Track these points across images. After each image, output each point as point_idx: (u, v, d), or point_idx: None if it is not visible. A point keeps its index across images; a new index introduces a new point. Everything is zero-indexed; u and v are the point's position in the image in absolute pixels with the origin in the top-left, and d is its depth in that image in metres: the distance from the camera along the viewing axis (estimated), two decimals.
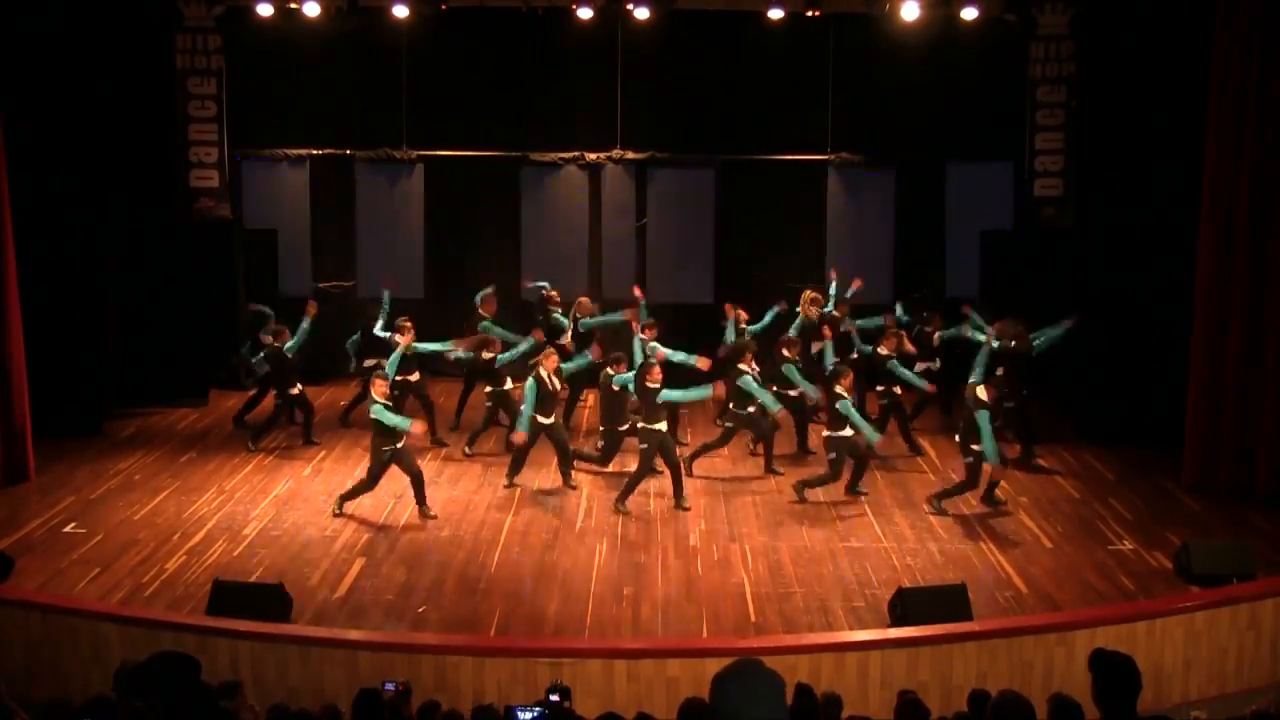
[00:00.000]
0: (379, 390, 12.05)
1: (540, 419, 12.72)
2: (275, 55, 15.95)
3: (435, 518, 12.11)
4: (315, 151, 16.64)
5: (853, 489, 12.68)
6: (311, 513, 12.42)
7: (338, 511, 12.17)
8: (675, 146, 16.72)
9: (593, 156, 16.72)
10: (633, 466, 12.65)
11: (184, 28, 15.35)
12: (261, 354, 14.41)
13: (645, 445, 12.39)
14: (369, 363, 14.26)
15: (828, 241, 16.75)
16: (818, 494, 12.67)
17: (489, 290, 14.81)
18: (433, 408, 14.35)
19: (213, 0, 15.24)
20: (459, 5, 15.35)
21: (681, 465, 12.78)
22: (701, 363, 13.14)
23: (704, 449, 13.45)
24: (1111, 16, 14.51)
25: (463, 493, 12.84)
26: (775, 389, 13.27)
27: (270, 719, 7.11)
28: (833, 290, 15.30)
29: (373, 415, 11.92)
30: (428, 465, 13.36)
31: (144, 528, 11.97)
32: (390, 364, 13.00)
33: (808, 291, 14.74)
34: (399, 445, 12.01)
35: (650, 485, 13.05)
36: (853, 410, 12.41)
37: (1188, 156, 13.21)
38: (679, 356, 13.32)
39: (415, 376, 14.05)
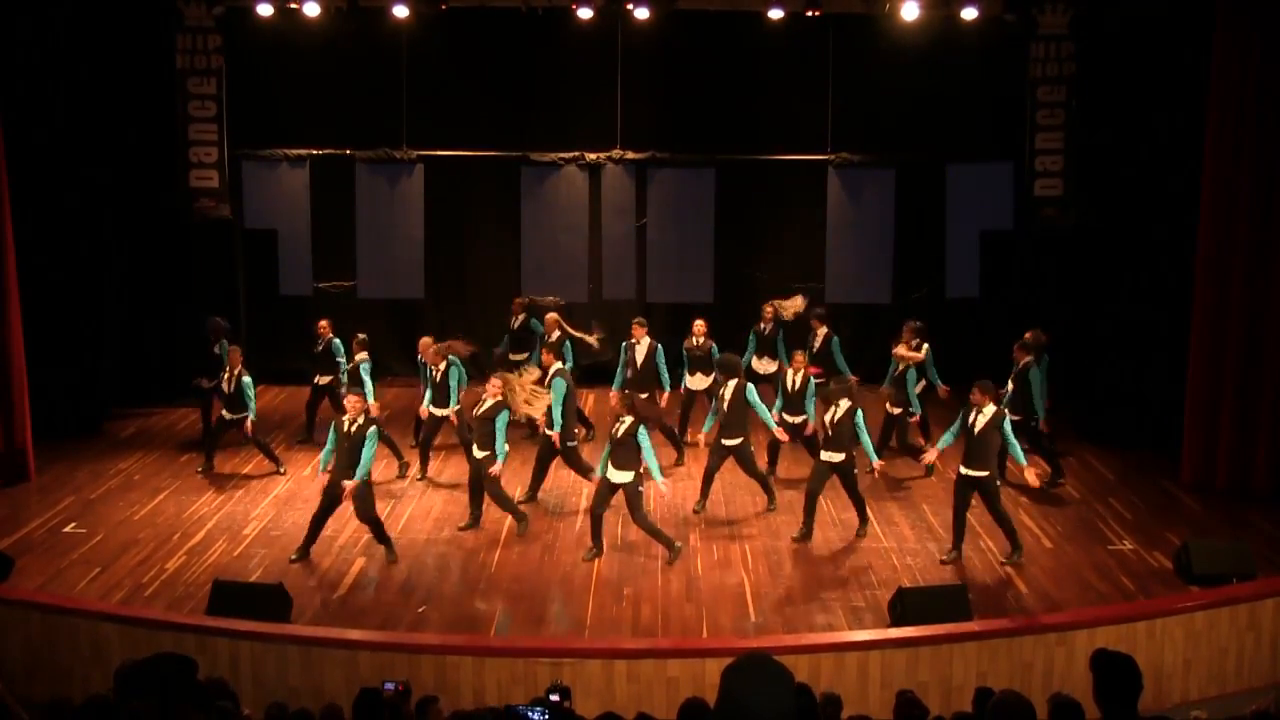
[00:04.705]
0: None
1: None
2: (275, 55, 15.93)
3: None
4: (315, 151, 16.61)
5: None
6: (311, 513, 12.40)
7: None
8: (675, 146, 16.69)
9: (593, 156, 16.69)
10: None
11: (184, 28, 15.31)
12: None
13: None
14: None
15: (828, 241, 16.74)
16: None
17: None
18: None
19: (213, 0, 15.23)
20: (459, 5, 15.32)
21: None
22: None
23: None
24: (1111, 16, 14.51)
25: (463, 493, 12.82)
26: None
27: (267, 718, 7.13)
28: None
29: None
30: (431, 467, 13.41)
31: (144, 528, 11.98)
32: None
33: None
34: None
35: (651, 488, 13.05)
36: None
37: (1188, 156, 13.22)
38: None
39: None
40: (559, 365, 12.78)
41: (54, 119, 14.12)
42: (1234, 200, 12.72)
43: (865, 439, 11.67)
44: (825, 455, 11.68)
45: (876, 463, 11.78)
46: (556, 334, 14.15)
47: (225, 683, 7.44)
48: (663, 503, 12.29)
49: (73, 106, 14.31)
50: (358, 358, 13.50)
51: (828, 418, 11.64)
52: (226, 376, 13.33)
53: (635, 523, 11.30)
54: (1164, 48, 13.69)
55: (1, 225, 12.83)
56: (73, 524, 12.04)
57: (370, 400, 12.81)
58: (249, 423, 13.21)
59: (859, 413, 11.59)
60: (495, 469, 11.69)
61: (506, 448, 11.79)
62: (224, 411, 13.40)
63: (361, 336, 13.75)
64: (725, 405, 12.10)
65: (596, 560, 11.31)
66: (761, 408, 12.21)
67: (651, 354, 13.67)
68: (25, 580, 10.59)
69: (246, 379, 13.23)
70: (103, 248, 15.03)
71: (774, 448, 13.25)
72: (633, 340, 13.72)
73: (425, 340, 13.32)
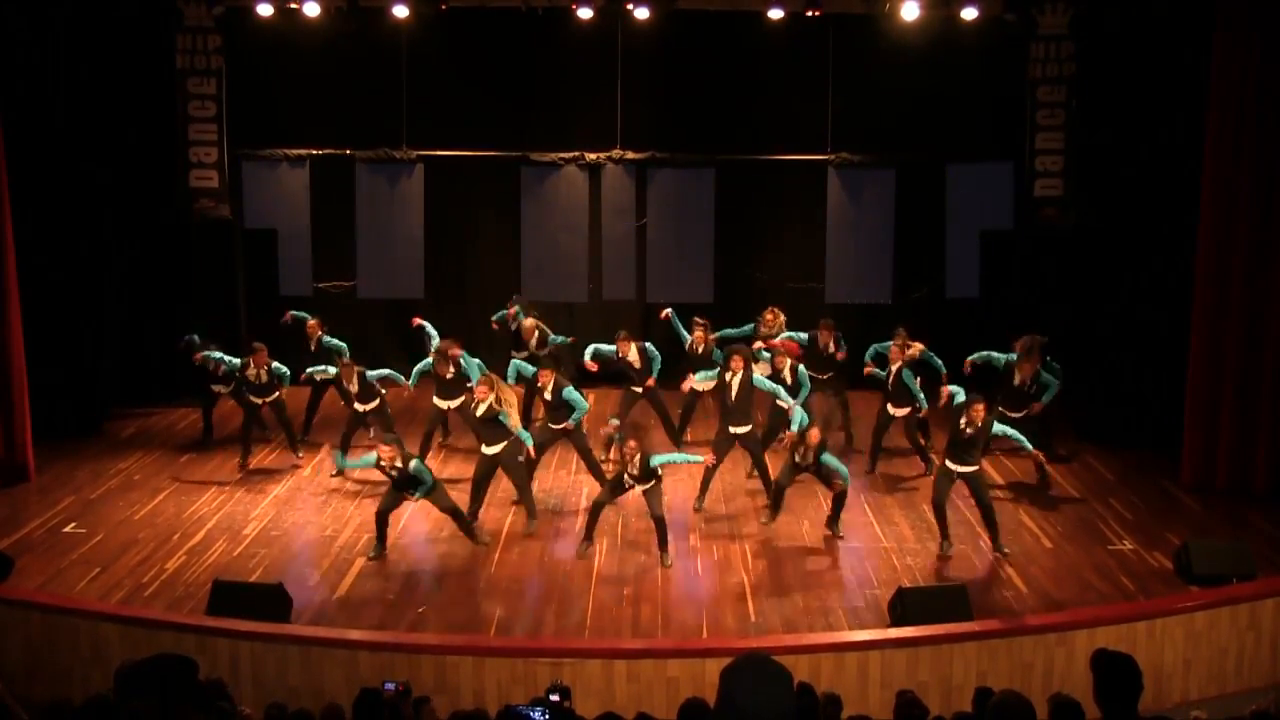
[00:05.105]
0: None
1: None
2: (275, 55, 15.91)
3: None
4: (315, 151, 16.60)
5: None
6: (311, 512, 12.44)
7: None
8: (675, 146, 16.67)
9: (593, 156, 16.67)
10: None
11: (184, 28, 15.30)
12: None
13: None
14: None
15: (828, 241, 16.73)
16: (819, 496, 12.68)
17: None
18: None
19: (213, 0, 15.23)
20: (459, 5, 15.31)
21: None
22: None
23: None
24: (1111, 16, 14.51)
25: (462, 492, 12.81)
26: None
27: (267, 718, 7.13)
28: None
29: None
30: (429, 463, 13.36)
31: (144, 528, 11.98)
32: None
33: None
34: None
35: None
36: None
37: (1187, 156, 13.22)
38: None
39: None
40: (556, 376, 12.65)
41: (54, 119, 14.11)
42: (1234, 200, 12.71)
43: (839, 465, 11.67)
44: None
45: (840, 484, 11.63)
46: (537, 335, 14.55)
47: (223, 684, 7.45)
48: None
49: (73, 106, 14.30)
50: (357, 371, 13.42)
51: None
52: (254, 372, 13.45)
53: (653, 516, 11.26)
54: (1164, 48, 13.68)
55: (1, 225, 12.83)
56: (73, 524, 12.04)
57: (402, 381, 13.41)
58: (281, 393, 13.64)
59: (828, 452, 11.67)
60: (531, 450, 11.98)
61: (527, 433, 12.03)
62: (250, 396, 13.58)
63: (346, 360, 13.67)
64: (732, 394, 12.13)
65: (596, 559, 11.32)
66: (774, 386, 12.21)
67: (642, 353, 13.69)
68: (25, 580, 10.58)
69: (276, 364, 13.56)
70: (103, 248, 15.02)
71: (769, 433, 13.32)
72: (620, 354, 13.69)
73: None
